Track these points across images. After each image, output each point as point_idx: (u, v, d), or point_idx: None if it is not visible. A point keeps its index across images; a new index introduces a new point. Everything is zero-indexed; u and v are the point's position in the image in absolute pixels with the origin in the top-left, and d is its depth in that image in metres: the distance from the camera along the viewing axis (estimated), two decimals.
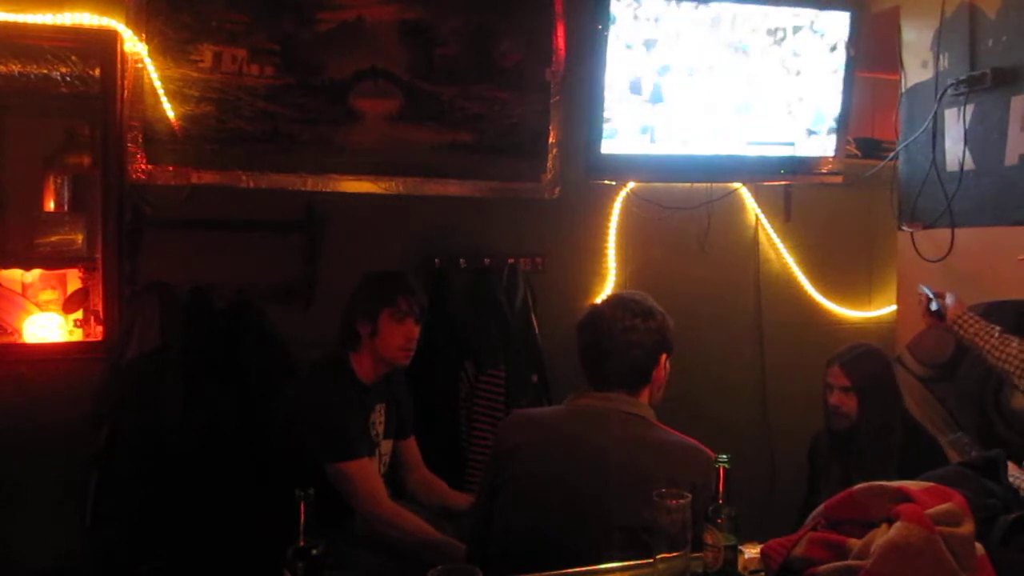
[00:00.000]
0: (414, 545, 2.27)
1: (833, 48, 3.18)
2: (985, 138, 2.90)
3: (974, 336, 2.49)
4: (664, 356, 1.86)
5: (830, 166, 3.33)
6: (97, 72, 2.61)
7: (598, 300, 1.97)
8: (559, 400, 1.93)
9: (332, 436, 2.29)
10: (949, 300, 2.59)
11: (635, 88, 2.98)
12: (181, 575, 2.45)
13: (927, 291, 2.65)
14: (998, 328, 2.46)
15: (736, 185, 3.38)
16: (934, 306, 2.60)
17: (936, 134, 3.06)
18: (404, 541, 2.28)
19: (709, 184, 3.27)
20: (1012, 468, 2.07)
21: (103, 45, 2.58)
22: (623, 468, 1.70)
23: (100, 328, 2.64)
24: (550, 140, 3.09)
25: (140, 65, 2.60)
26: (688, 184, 3.25)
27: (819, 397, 2.63)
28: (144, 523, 2.47)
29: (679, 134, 3.09)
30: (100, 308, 2.65)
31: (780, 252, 3.49)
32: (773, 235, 3.48)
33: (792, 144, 3.25)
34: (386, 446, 2.52)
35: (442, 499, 2.57)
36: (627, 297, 1.89)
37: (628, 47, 2.93)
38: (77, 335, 2.70)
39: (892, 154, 3.33)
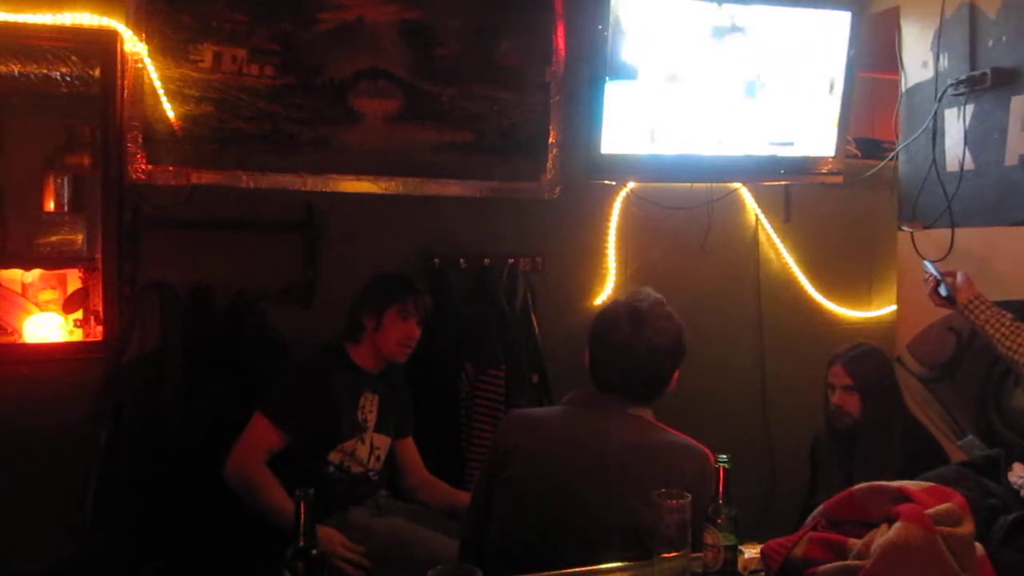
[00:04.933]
0: (266, 512, 2.27)
1: (833, 48, 3.18)
2: (985, 138, 2.90)
3: (984, 323, 2.42)
4: (677, 372, 1.85)
5: (830, 166, 3.33)
6: (97, 72, 2.61)
7: (622, 299, 1.86)
8: (559, 400, 1.92)
9: (272, 389, 2.41)
10: (959, 278, 2.51)
11: (635, 87, 2.98)
12: (181, 575, 2.46)
13: (933, 270, 2.58)
14: (1010, 315, 2.40)
15: (736, 185, 3.38)
16: (943, 290, 2.51)
17: (936, 134, 3.07)
18: (255, 505, 2.29)
19: (709, 184, 3.27)
20: (1020, 470, 2.07)
21: (103, 45, 2.57)
22: (621, 469, 1.69)
23: (100, 328, 2.64)
24: (550, 140, 3.09)
25: (140, 65, 2.60)
26: (688, 184, 3.25)
27: (819, 397, 2.63)
28: (144, 523, 2.47)
29: (679, 134, 3.09)
30: (100, 308, 2.64)
31: (780, 252, 3.49)
32: (773, 235, 3.48)
33: (792, 144, 3.25)
34: (379, 440, 2.53)
35: (445, 498, 2.58)
36: (654, 309, 1.80)
37: (628, 46, 2.93)
38: (77, 335, 2.70)
39: (892, 154, 3.33)
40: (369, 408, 2.52)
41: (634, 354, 1.76)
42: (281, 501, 2.26)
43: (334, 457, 2.42)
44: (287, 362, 2.60)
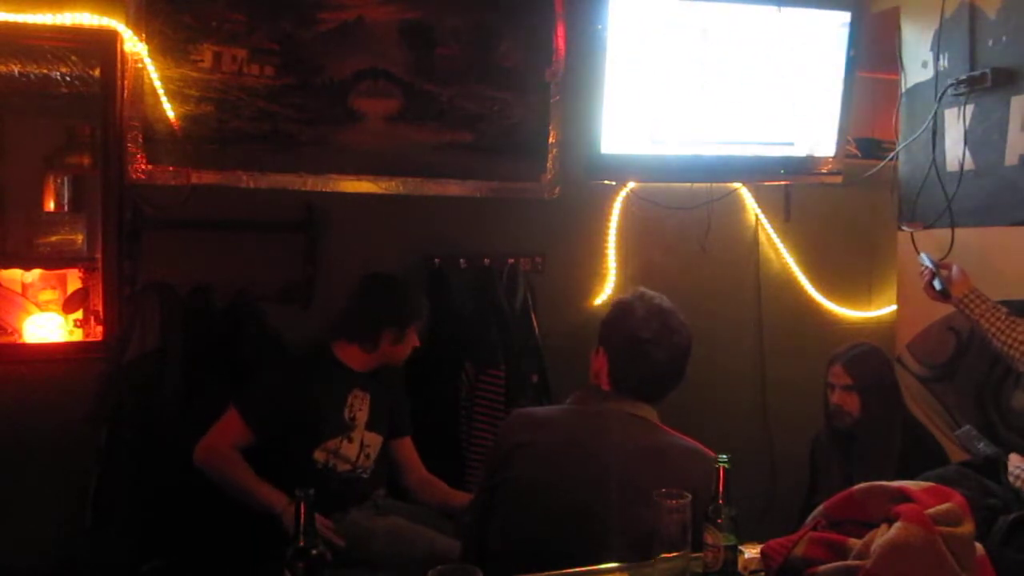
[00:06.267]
0: (235, 492, 2.32)
1: (833, 48, 3.18)
2: (985, 138, 2.90)
3: (980, 317, 2.42)
4: None
5: (830, 166, 3.33)
6: (97, 72, 2.61)
7: (639, 299, 1.84)
8: (559, 400, 1.92)
9: (250, 385, 2.44)
10: (955, 272, 2.51)
11: (635, 87, 2.98)
12: (181, 575, 2.46)
13: (928, 262, 2.57)
14: (1005, 309, 2.41)
15: (736, 185, 3.38)
16: (938, 284, 2.51)
17: (936, 134, 3.06)
18: (227, 489, 2.33)
19: (709, 184, 3.27)
20: (1017, 460, 2.07)
21: (103, 45, 2.57)
22: (625, 471, 1.69)
23: (100, 328, 2.64)
24: (550, 140, 3.09)
25: (140, 65, 2.60)
26: (688, 184, 3.25)
27: (819, 397, 2.64)
28: (144, 523, 2.47)
29: (679, 134, 3.09)
30: (100, 308, 2.64)
31: (780, 252, 3.49)
32: (773, 235, 3.48)
33: (792, 144, 3.25)
34: (370, 438, 2.53)
35: (444, 498, 2.58)
36: (668, 306, 1.81)
37: (628, 46, 2.93)
38: (77, 335, 2.70)
39: (892, 154, 3.33)
40: (359, 406, 2.51)
41: (662, 353, 1.76)
42: (248, 481, 2.30)
43: (319, 456, 2.42)
44: (269, 360, 2.60)
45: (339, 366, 2.51)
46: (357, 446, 2.49)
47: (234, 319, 2.66)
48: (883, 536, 1.29)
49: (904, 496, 1.35)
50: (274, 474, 2.32)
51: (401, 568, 2.25)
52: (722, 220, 3.36)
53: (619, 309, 1.86)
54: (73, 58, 2.60)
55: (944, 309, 2.79)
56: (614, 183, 3.20)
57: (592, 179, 3.10)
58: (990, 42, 2.88)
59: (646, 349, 1.76)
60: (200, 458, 2.35)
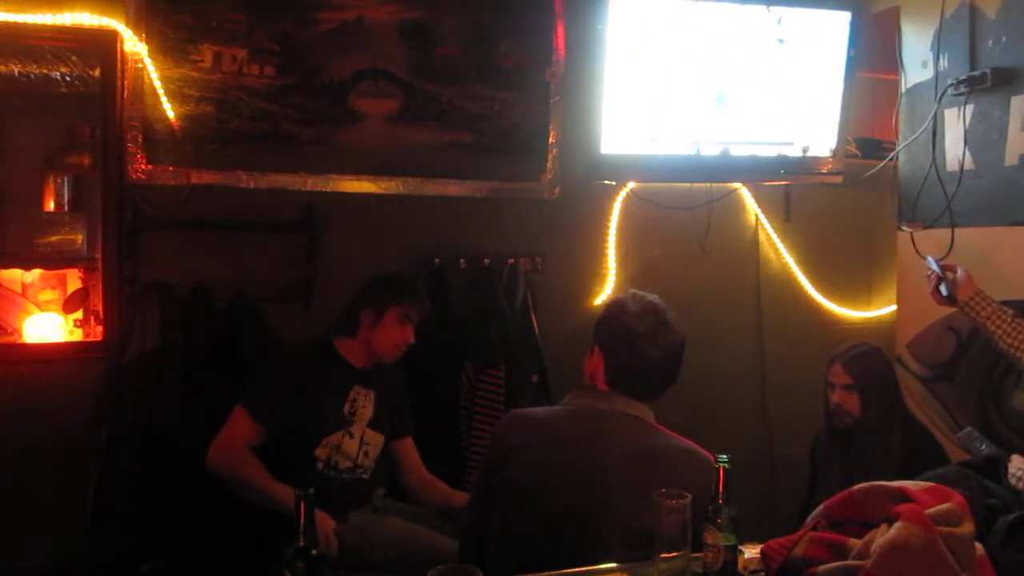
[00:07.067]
0: (249, 492, 2.31)
1: (833, 48, 3.18)
2: (985, 138, 2.90)
3: (986, 319, 2.42)
4: None
5: (830, 166, 3.33)
6: (97, 72, 2.61)
7: (633, 297, 1.85)
8: (559, 400, 1.92)
9: (253, 382, 2.44)
10: (960, 274, 2.51)
11: (635, 87, 2.98)
12: (181, 575, 2.46)
13: (934, 266, 2.57)
14: (1011, 311, 2.40)
15: (736, 185, 3.38)
16: (944, 289, 2.51)
17: (936, 134, 3.06)
18: (241, 490, 2.32)
19: (709, 184, 3.27)
20: (1019, 461, 2.07)
21: (103, 45, 2.57)
22: (621, 472, 1.69)
23: (100, 328, 2.64)
24: (550, 140, 3.09)
25: (140, 65, 2.60)
26: (688, 184, 3.25)
27: (819, 396, 2.64)
28: (144, 523, 2.47)
29: (679, 134, 3.09)
30: (100, 308, 2.64)
31: (780, 252, 3.49)
32: (773, 235, 3.48)
33: (792, 144, 3.25)
34: (371, 436, 2.53)
35: (443, 499, 2.58)
36: (661, 304, 1.83)
37: (628, 46, 2.93)
38: (77, 335, 2.70)
39: (892, 154, 3.33)
40: (362, 403, 2.51)
41: (657, 348, 1.76)
42: (263, 480, 2.30)
43: (320, 453, 2.42)
44: (271, 357, 2.60)
45: (340, 361, 2.51)
46: (357, 442, 2.49)
47: (234, 319, 2.66)
48: (883, 536, 1.29)
49: (904, 496, 1.35)
50: (276, 475, 2.32)
51: (402, 568, 2.25)
52: (722, 220, 3.36)
53: (613, 307, 1.88)
54: (73, 58, 2.60)
55: (944, 309, 2.79)
56: (614, 183, 3.20)
57: (592, 179, 3.10)
58: (990, 42, 2.88)
59: (642, 344, 1.76)
60: (213, 459, 2.34)
